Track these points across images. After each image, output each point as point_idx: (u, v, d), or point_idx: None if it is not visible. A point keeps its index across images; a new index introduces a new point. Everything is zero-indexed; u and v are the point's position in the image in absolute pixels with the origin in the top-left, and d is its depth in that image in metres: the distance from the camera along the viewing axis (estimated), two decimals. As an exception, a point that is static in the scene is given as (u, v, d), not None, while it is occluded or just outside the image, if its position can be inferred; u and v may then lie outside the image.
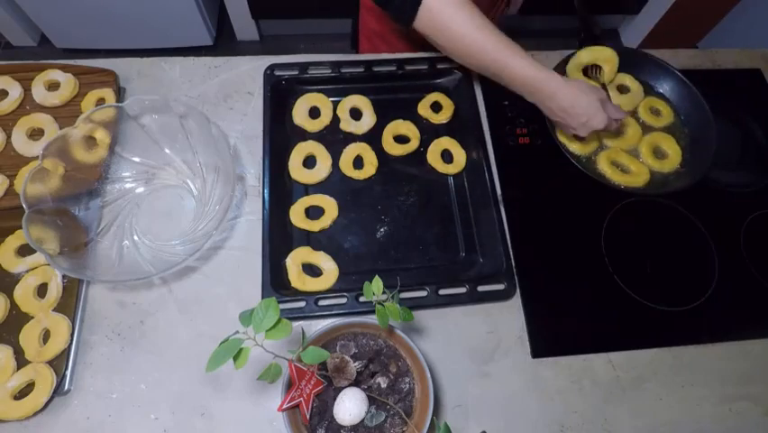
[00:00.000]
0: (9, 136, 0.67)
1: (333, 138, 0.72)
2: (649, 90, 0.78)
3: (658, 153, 0.73)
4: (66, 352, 0.56)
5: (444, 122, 0.75)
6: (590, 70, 0.76)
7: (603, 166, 0.71)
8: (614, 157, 0.72)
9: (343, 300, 0.60)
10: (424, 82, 0.78)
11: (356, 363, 0.51)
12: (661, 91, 0.78)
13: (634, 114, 0.76)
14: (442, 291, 0.61)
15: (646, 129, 0.75)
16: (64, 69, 0.71)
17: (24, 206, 0.54)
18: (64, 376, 0.55)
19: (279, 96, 0.73)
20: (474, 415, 0.58)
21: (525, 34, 1.97)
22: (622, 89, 0.78)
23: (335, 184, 0.70)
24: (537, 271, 0.66)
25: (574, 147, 0.71)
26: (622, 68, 0.76)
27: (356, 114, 0.74)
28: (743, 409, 0.61)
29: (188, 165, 0.67)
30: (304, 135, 0.72)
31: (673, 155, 0.73)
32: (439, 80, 0.78)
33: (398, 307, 0.47)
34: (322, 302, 0.60)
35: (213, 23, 1.79)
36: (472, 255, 0.67)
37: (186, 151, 0.67)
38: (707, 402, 0.61)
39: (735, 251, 0.71)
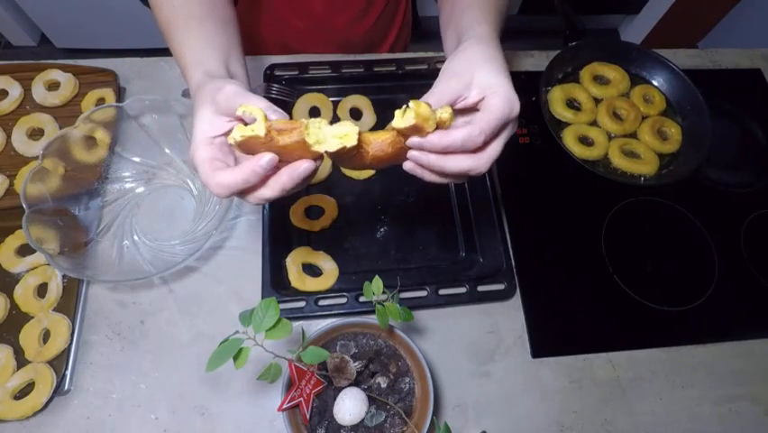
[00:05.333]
0: (9, 136, 0.67)
1: (333, 138, 0.72)
2: (640, 82, 0.78)
3: (660, 135, 0.73)
4: (66, 352, 0.56)
5: (444, 122, 0.75)
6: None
7: (615, 158, 0.71)
8: (623, 144, 0.72)
9: (343, 300, 0.60)
10: (424, 82, 0.77)
11: (356, 363, 0.51)
12: (654, 84, 0.78)
13: (628, 100, 0.76)
14: (442, 291, 0.61)
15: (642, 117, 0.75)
16: (64, 69, 0.71)
17: (24, 206, 0.54)
18: (64, 376, 0.55)
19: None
20: (474, 415, 0.58)
21: (525, 34, 1.97)
22: (601, 80, 0.78)
23: (335, 184, 0.70)
24: (537, 271, 0.66)
25: (580, 152, 0.71)
26: (612, 60, 0.77)
27: (356, 114, 0.74)
28: (743, 409, 0.61)
29: (188, 165, 0.67)
30: (304, 135, 0.72)
31: (675, 134, 0.73)
32: (439, 80, 0.78)
33: (398, 307, 0.47)
34: (322, 302, 0.60)
35: (213, 22, 1.78)
36: (472, 255, 0.67)
37: (186, 151, 0.66)
38: (707, 402, 0.61)
39: (735, 251, 0.70)
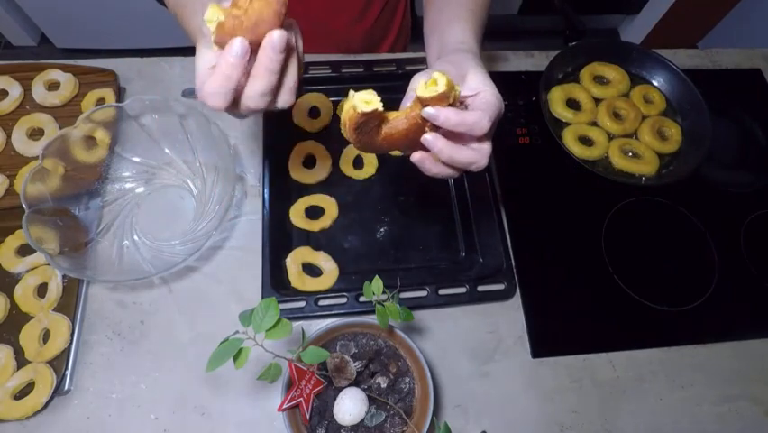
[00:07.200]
0: (9, 136, 0.67)
1: (333, 138, 0.72)
2: (640, 82, 0.78)
3: (660, 135, 0.73)
4: (66, 352, 0.56)
5: (444, 122, 0.75)
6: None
7: (615, 158, 0.71)
8: (623, 144, 0.72)
9: (343, 300, 0.60)
10: (424, 82, 0.78)
11: (356, 364, 0.51)
12: (654, 84, 0.78)
13: (628, 100, 0.76)
14: (442, 291, 0.61)
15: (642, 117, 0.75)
16: (64, 69, 0.71)
17: (24, 206, 0.54)
18: (64, 376, 0.55)
19: (279, 96, 0.73)
20: (474, 415, 0.58)
21: (525, 34, 1.97)
22: (601, 80, 0.78)
23: (335, 184, 0.70)
24: (537, 271, 0.66)
25: (580, 152, 0.71)
26: (612, 60, 0.78)
27: (356, 114, 0.74)
28: (743, 409, 0.61)
29: (188, 165, 0.67)
30: (304, 135, 0.72)
31: (675, 134, 0.73)
32: (439, 80, 0.78)
33: (398, 307, 0.47)
34: (322, 302, 0.60)
35: (213, 22, 1.79)
36: (472, 255, 0.67)
37: (186, 151, 0.67)
38: (707, 402, 0.61)
39: (735, 251, 0.70)
